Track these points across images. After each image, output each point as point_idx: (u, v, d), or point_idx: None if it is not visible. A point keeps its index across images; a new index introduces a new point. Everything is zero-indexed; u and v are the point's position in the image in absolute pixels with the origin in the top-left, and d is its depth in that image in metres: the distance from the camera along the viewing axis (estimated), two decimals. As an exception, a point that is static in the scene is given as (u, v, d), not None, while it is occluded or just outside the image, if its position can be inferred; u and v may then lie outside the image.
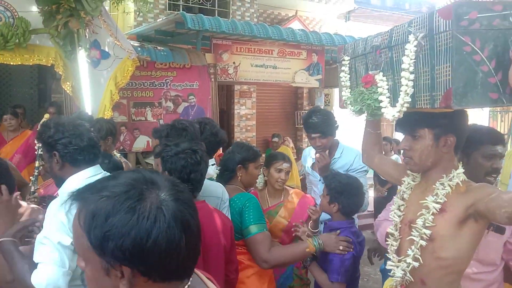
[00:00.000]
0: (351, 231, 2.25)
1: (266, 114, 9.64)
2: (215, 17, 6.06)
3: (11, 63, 3.77)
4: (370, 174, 5.97)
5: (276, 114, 9.88)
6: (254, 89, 9.27)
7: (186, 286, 0.87)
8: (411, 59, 1.41)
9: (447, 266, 1.52)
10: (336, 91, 9.95)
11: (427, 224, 1.51)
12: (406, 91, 1.45)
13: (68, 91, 3.99)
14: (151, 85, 5.48)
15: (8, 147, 4.43)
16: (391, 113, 1.51)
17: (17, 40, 3.58)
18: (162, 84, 5.55)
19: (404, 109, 1.47)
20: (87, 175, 1.78)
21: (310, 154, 3.10)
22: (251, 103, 9.33)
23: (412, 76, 1.43)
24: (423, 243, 1.52)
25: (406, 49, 1.42)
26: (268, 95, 9.60)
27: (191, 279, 0.89)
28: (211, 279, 1.00)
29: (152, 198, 0.79)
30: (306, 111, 9.48)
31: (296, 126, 9.92)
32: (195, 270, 0.93)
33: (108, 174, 1.89)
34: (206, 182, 2.28)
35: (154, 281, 0.80)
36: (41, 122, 3.46)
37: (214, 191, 2.27)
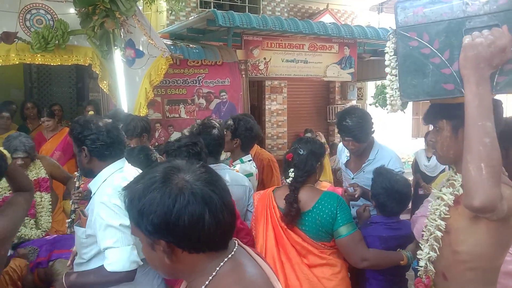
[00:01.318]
0: (386, 226, 2.22)
1: (297, 109, 9.60)
2: (246, 14, 6.08)
3: (52, 64, 3.93)
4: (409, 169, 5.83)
5: (307, 109, 9.81)
6: (285, 84, 9.25)
7: (230, 255, 0.96)
8: (390, 56, 1.43)
9: (466, 261, 1.47)
10: (369, 84, 9.78)
11: (442, 216, 1.51)
12: (389, 85, 1.45)
13: (105, 90, 4.12)
14: (184, 83, 5.57)
15: (48, 144, 4.61)
16: (392, 106, 1.50)
17: (57, 42, 3.73)
18: (194, 81, 5.63)
19: (397, 103, 1.45)
20: (118, 167, 1.94)
21: (345, 151, 3.05)
22: (282, 98, 9.31)
23: (394, 71, 1.42)
24: (439, 233, 1.52)
25: (386, 46, 1.45)
26: (299, 90, 9.55)
27: (234, 249, 0.98)
28: (259, 255, 1.06)
29: (175, 179, 0.91)
30: (337, 106, 9.43)
31: (328, 121, 9.83)
32: (241, 243, 1.03)
33: (134, 167, 2.04)
34: (233, 173, 2.61)
35: (189, 252, 0.91)
36: None
37: (240, 180, 2.61)
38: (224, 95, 5.83)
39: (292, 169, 2.12)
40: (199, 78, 5.67)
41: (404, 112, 8.06)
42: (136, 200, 0.91)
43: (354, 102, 9.54)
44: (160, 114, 5.48)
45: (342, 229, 2.02)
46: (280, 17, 6.42)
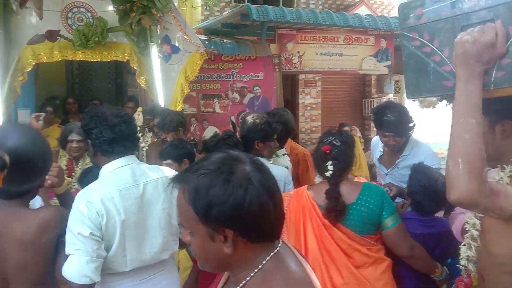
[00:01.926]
0: (420, 223, 2.17)
1: (331, 103, 9.48)
2: (280, 7, 6.06)
3: (92, 60, 4.07)
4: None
5: (342, 102, 9.67)
6: (319, 78, 9.15)
7: (276, 250, 0.99)
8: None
9: (501, 264, 1.39)
10: (406, 77, 9.49)
11: (478, 214, 1.46)
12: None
13: (142, 85, 4.23)
14: (218, 78, 5.63)
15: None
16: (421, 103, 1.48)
17: (97, 39, 3.85)
18: (228, 76, 5.68)
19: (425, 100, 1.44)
20: (117, 166, 1.83)
21: (378, 146, 3.00)
22: (316, 92, 9.22)
23: None
24: (475, 232, 1.48)
25: None
26: (333, 83, 9.42)
27: (279, 245, 1.01)
28: (299, 250, 1.10)
29: (240, 171, 0.94)
30: (374, 99, 9.24)
31: (364, 114, 9.64)
32: (284, 240, 1.05)
33: (142, 163, 1.95)
34: (272, 166, 2.50)
35: (252, 241, 0.95)
36: (135, 116, 3.74)
37: (278, 174, 2.38)
38: (258, 89, 5.85)
39: (330, 162, 2.02)
40: (233, 72, 5.71)
41: (433, 108, 7.81)
42: (203, 191, 0.92)
43: (391, 96, 9.31)
44: (195, 108, 5.57)
45: (388, 220, 1.96)
46: (315, 10, 6.35)
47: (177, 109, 4.07)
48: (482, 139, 1.17)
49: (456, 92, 1.21)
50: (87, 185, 1.85)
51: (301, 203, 2.08)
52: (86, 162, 3.49)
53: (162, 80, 4.09)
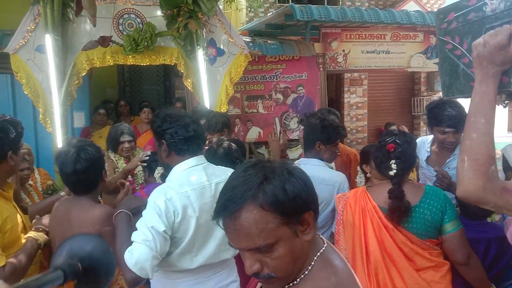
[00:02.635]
0: (470, 228, 2.08)
1: (378, 101, 9.25)
2: (324, 6, 6.01)
3: (141, 64, 4.24)
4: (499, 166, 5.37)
5: (389, 101, 9.40)
6: (365, 76, 8.96)
7: (322, 250, 1.04)
8: None
9: None
10: (458, 74, 9.07)
11: None
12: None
13: (189, 88, 4.35)
14: (262, 78, 5.67)
15: (141, 139, 4.98)
16: None
17: (146, 43, 4.01)
18: (272, 76, 5.71)
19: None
20: (190, 165, 1.88)
21: (425, 146, 2.89)
22: (362, 90, 9.04)
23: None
24: None
25: None
26: (380, 81, 9.19)
27: (325, 245, 1.06)
28: (340, 254, 1.12)
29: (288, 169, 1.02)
30: (423, 97, 8.92)
31: (413, 113, 9.33)
32: (326, 240, 1.11)
33: (210, 164, 1.99)
34: (326, 170, 2.49)
35: (316, 220, 1.03)
36: None
37: (332, 178, 2.46)
38: (301, 89, 5.83)
39: (393, 161, 1.97)
40: (277, 73, 5.73)
41: (504, 107, 7.39)
42: (281, 192, 0.96)
43: (442, 94, 8.95)
44: (239, 109, 5.64)
45: (449, 225, 1.92)
46: (360, 8, 6.24)
47: (222, 111, 4.15)
48: (490, 137, 1.21)
49: (472, 93, 1.26)
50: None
51: (361, 205, 2.04)
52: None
53: (208, 82, 4.19)
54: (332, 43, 6.22)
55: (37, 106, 3.91)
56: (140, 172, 3.58)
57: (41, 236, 2.02)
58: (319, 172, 2.43)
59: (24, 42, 3.81)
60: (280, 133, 2.82)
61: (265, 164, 1.02)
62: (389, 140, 2.04)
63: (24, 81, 3.82)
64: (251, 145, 5.77)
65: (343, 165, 3.28)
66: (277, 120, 2.76)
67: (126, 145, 3.50)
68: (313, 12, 5.61)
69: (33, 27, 3.81)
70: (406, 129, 8.05)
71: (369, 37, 6.36)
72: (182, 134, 1.86)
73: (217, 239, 1.89)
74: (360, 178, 2.56)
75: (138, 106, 5.69)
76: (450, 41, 1.42)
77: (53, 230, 2.05)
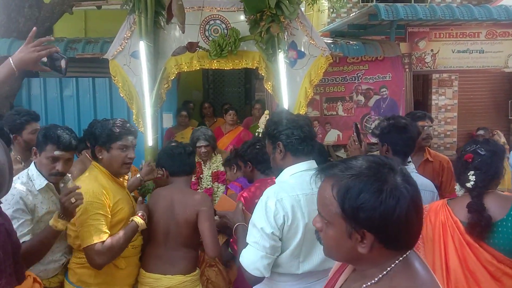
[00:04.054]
0: None
1: (470, 104, 8.58)
2: (411, 5, 5.73)
3: (225, 68, 4.41)
4: None
5: (483, 104, 8.68)
6: (456, 77, 8.37)
7: (405, 255, 1.02)
8: None
9: None
10: None
11: None
12: None
13: (269, 90, 4.43)
14: (342, 80, 5.58)
15: (225, 139, 5.19)
16: None
17: (230, 48, 4.16)
18: (353, 78, 5.59)
19: None
20: (302, 169, 1.90)
21: None
22: (452, 92, 8.46)
23: None
24: None
25: None
26: (473, 82, 8.52)
27: (409, 251, 1.04)
28: (426, 264, 1.10)
29: (393, 181, 0.97)
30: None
31: (510, 117, 8.53)
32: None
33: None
34: (420, 177, 2.45)
35: (388, 248, 0.99)
36: (261, 119, 4.03)
37: (429, 185, 2.43)
38: (385, 91, 5.63)
39: (472, 172, 1.85)
40: (358, 74, 5.60)
41: None
42: (355, 193, 0.96)
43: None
44: (318, 112, 5.60)
45: None
46: (451, 5, 5.85)
47: (301, 113, 4.16)
48: None
49: None
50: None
51: (441, 219, 1.93)
52: (212, 166, 3.83)
53: (287, 85, 4.22)
54: (420, 42, 5.92)
55: (131, 108, 4.25)
56: (207, 176, 3.76)
57: (142, 224, 2.34)
58: (419, 179, 2.35)
59: (121, 49, 4.17)
60: (362, 141, 2.71)
61: (389, 170, 0.99)
62: (469, 149, 1.91)
63: (120, 84, 4.18)
64: (329, 148, 5.70)
65: (435, 173, 3.11)
66: (355, 126, 2.69)
67: (203, 149, 3.73)
68: (399, 11, 5.38)
69: (129, 35, 4.15)
70: (501, 135, 7.40)
71: (460, 36, 5.94)
72: (298, 134, 1.92)
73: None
74: (461, 191, 2.41)
75: (221, 107, 5.93)
76: None
77: (157, 212, 2.49)
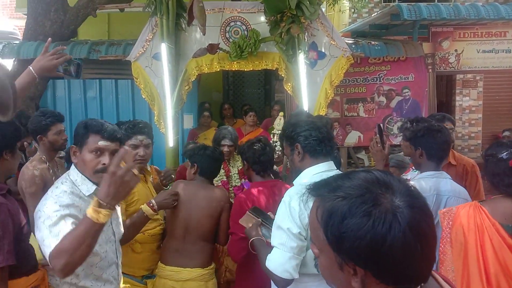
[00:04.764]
0: None
1: (495, 105, 8.32)
2: (435, 4, 5.63)
3: (245, 69, 4.42)
4: None
5: (509, 105, 8.39)
6: (481, 78, 8.14)
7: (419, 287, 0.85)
8: None
9: None
10: None
11: None
12: None
13: (289, 91, 4.42)
14: (364, 81, 5.51)
15: (245, 140, 5.20)
16: None
17: (250, 49, 4.17)
18: (375, 79, 5.52)
19: None
20: (322, 169, 1.91)
21: None
22: (477, 93, 8.23)
23: None
24: None
25: None
26: (499, 83, 8.24)
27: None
28: (446, 280, 0.96)
29: (386, 203, 0.80)
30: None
31: (537, 119, 8.26)
32: (432, 273, 0.91)
33: (338, 171, 1.99)
34: (454, 183, 2.34)
35: (387, 284, 0.81)
36: (276, 121, 4.02)
37: (463, 193, 2.33)
38: (407, 92, 5.54)
39: None
40: (380, 75, 5.52)
41: None
42: (338, 218, 0.81)
43: None
44: (339, 113, 5.55)
45: None
46: (476, 4, 5.72)
47: (321, 114, 4.13)
48: None
49: None
50: None
51: (475, 221, 1.86)
52: (236, 164, 3.84)
53: (307, 86, 4.20)
54: (443, 42, 5.81)
55: (152, 109, 4.31)
56: (235, 174, 3.77)
57: (147, 210, 2.40)
58: (452, 185, 2.31)
59: (143, 51, 4.23)
60: (385, 143, 2.64)
61: (385, 189, 0.82)
62: (505, 152, 1.84)
63: (142, 86, 4.24)
64: (350, 150, 5.64)
65: (458, 176, 2.98)
66: (378, 128, 2.64)
67: (226, 149, 3.71)
68: (422, 11, 5.29)
69: (150, 37, 4.21)
70: (529, 137, 7.16)
71: (486, 35, 5.80)
72: (316, 136, 1.92)
73: None
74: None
75: (240, 108, 5.94)
76: None
77: (184, 206, 2.59)
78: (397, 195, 0.81)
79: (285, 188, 2.51)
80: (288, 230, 1.76)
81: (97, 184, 1.82)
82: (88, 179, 1.84)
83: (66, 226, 1.63)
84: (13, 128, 2.09)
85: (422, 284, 0.84)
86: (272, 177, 2.73)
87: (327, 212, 0.83)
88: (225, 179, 3.74)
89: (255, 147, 2.68)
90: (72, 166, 1.91)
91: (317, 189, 0.89)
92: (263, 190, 2.52)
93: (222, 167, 3.77)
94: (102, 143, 1.83)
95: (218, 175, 3.75)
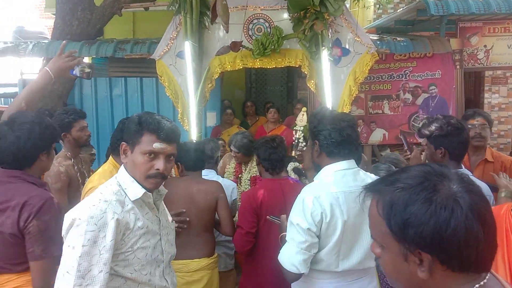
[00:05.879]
0: None
1: (527, 103, 8.08)
2: (463, -2, 5.46)
3: (268, 67, 4.41)
4: None
5: (541, 102, 8.15)
6: (511, 74, 7.91)
7: (482, 283, 0.86)
8: None
9: None
10: None
11: None
12: None
13: (312, 89, 4.38)
14: (389, 78, 5.42)
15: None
16: None
17: (273, 47, 4.15)
18: (400, 75, 5.41)
19: None
20: (340, 168, 1.91)
21: None
22: (507, 90, 8.00)
23: None
24: None
25: None
26: (530, 80, 8.02)
27: (487, 277, 0.88)
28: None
29: (445, 190, 0.84)
30: None
31: None
32: (493, 272, 0.91)
33: (360, 169, 1.98)
34: (477, 181, 2.28)
35: (452, 270, 0.84)
36: (298, 116, 4.04)
37: (484, 188, 2.21)
38: (434, 89, 5.41)
39: None
40: (406, 72, 5.41)
41: None
42: (401, 207, 0.84)
43: None
44: (363, 110, 5.47)
45: None
46: (508, -3, 5.52)
47: (345, 111, 4.08)
48: None
49: None
50: None
51: (505, 226, 1.80)
52: (252, 170, 3.85)
53: (331, 83, 4.16)
54: (472, 38, 5.63)
55: (176, 107, 4.35)
56: (247, 180, 3.82)
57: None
58: (483, 185, 2.24)
59: (167, 49, 4.27)
60: (412, 151, 2.58)
61: (441, 177, 0.85)
62: None
63: (166, 84, 4.28)
64: (374, 148, 5.55)
65: (496, 173, 2.93)
66: (403, 138, 2.58)
67: (233, 154, 3.80)
68: (449, 6, 5.15)
69: (174, 35, 4.25)
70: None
71: (517, 30, 5.60)
72: (335, 138, 1.90)
73: (362, 246, 1.89)
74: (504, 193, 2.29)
75: (263, 106, 5.94)
76: None
77: (178, 202, 2.64)
78: (454, 182, 0.85)
79: (293, 186, 2.61)
80: (297, 225, 1.80)
81: (147, 188, 1.62)
82: (137, 182, 1.62)
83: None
84: (50, 131, 2.09)
85: (485, 281, 0.86)
86: (283, 175, 2.79)
87: (388, 203, 0.86)
88: (233, 179, 3.78)
89: (266, 145, 2.76)
90: (122, 167, 1.69)
91: (373, 186, 0.93)
92: (270, 187, 2.64)
93: (234, 167, 3.86)
94: (157, 145, 1.59)
95: (227, 174, 3.80)
